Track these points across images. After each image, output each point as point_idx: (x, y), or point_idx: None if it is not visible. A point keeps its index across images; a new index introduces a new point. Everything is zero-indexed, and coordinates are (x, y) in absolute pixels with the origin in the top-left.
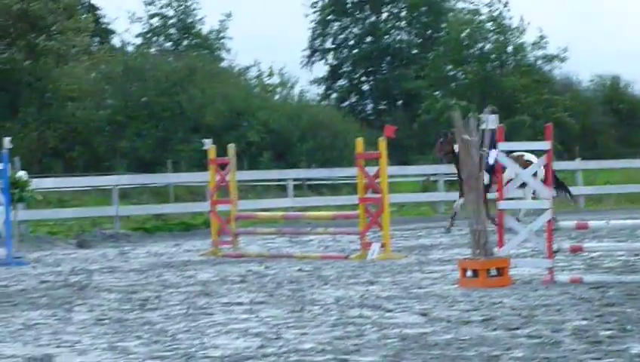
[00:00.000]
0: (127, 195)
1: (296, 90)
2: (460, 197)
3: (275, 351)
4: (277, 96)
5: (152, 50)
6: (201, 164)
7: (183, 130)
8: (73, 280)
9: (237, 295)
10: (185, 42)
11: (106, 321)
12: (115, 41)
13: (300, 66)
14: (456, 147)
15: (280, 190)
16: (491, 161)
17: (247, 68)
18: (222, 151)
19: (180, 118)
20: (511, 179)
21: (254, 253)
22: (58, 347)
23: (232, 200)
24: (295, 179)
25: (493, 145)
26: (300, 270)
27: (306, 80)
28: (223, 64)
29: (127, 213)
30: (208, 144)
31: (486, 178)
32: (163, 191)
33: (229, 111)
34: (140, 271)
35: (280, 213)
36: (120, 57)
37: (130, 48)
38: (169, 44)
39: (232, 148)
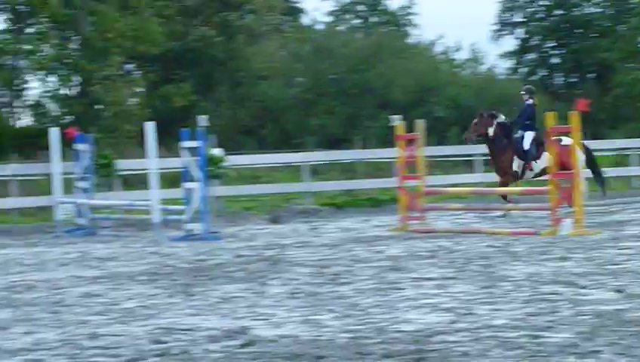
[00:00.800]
0: (317, 171)
1: (485, 65)
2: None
3: (467, 327)
4: (465, 71)
5: (341, 27)
6: (389, 140)
7: (371, 106)
8: (267, 255)
9: (427, 270)
10: (373, 19)
11: (300, 295)
12: (305, 20)
13: (488, 41)
14: (490, 130)
15: (467, 166)
16: (526, 146)
17: (434, 43)
18: (410, 127)
19: (368, 94)
20: (547, 166)
21: (443, 229)
22: (254, 319)
23: (421, 175)
24: (483, 155)
25: (531, 127)
26: (489, 246)
27: (495, 54)
28: (410, 40)
29: (317, 189)
30: (396, 120)
31: (516, 164)
32: (352, 167)
33: (417, 87)
34: (331, 246)
35: (468, 189)
36: (310, 35)
37: (319, 26)
38: (357, 21)
39: (420, 123)
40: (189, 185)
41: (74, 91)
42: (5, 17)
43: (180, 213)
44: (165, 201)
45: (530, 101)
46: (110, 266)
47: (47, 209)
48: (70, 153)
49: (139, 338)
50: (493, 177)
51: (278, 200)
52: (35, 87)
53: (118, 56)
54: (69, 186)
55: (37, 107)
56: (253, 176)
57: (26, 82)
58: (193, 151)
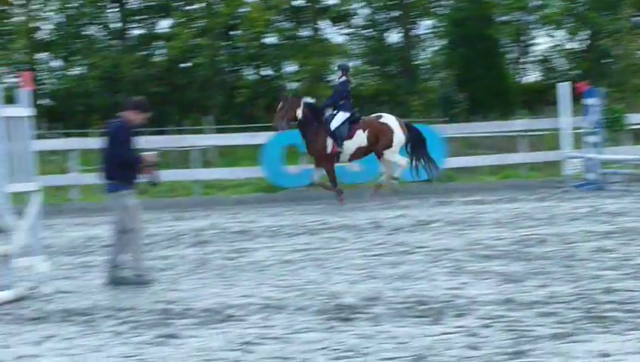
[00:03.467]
0: None
1: None
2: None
3: None
4: None
5: None
6: None
7: None
8: None
9: None
10: None
11: None
12: None
13: None
14: (299, 112)
15: None
16: (334, 125)
17: None
18: None
19: None
20: (360, 146)
21: None
22: None
23: None
24: None
25: (345, 107)
26: None
27: None
28: None
29: None
30: None
31: (330, 147)
32: None
33: None
34: None
35: None
36: None
37: None
38: None
39: None
40: None
41: (582, 45)
42: None
43: None
44: None
45: (343, 78)
46: (621, 221)
47: (554, 164)
48: (578, 108)
49: None
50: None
51: None
52: (542, 42)
53: (628, 7)
54: (577, 141)
55: (544, 62)
56: None
57: (532, 37)
58: None
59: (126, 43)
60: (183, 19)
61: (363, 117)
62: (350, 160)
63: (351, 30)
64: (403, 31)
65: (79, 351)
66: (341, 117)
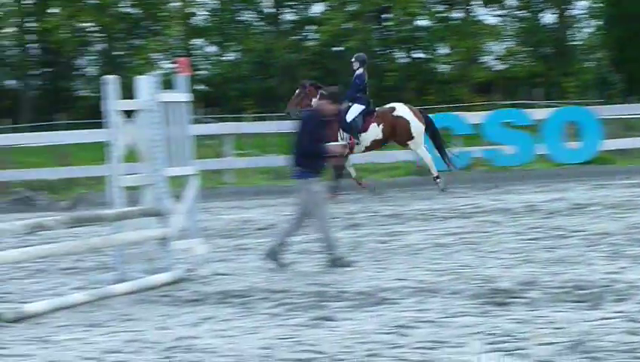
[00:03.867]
0: None
1: None
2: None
3: None
4: None
5: None
6: None
7: None
8: None
9: None
10: None
11: None
12: None
13: None
14: (314, 101)
15: None
16: (349, 118)
17: None
18: None
19: None
20: (375, 140)
21: None
22: None
23: None
24: None
25: (361, 100)
26: None
27: None
28: None
29: None
30: None
31: (341, 138)
32: None
33: None
34: None
35: None
36: None
37: None
38: None
39: None
40: None
41: None
42: None
43: None
44: None
45: (360, 71)
46: None
47: None
48: None
49: None
50: None
51: None
52: None
53: None
54: None
55: None
56: None
57: None
58: None
59: (279, 28)
60: (335, 4)
61: (377, 108)
62: (365, 151)
63: (504, 11)
64: (558, 11)
65: (236, 333)
66: (356, 109)
